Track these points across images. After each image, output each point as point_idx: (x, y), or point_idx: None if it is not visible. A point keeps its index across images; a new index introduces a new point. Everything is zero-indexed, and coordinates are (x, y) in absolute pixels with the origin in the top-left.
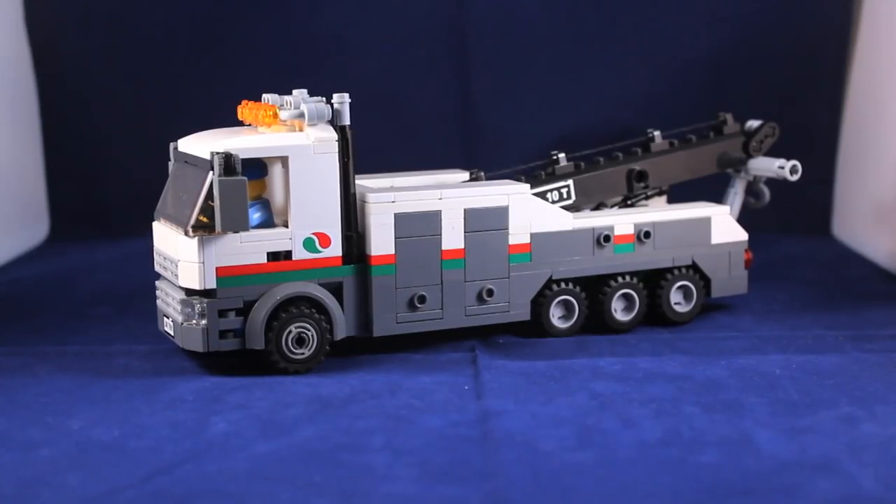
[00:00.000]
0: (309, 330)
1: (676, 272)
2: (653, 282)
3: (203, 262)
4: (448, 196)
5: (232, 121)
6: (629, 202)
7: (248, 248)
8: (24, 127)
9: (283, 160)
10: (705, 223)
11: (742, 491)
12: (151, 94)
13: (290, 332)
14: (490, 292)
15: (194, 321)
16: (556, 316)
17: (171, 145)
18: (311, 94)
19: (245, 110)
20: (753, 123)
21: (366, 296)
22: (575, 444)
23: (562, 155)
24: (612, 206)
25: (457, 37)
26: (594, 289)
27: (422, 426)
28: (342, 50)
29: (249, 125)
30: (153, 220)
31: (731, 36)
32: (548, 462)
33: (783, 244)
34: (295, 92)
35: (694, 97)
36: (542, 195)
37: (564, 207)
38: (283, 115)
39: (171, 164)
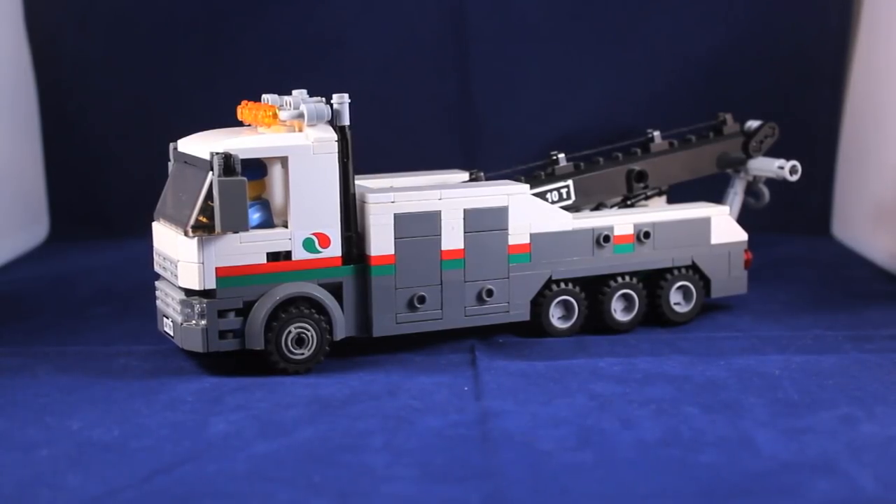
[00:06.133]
0: (309, 330)
1: (676, 272)
2: (652, 282)
3: (203, 263)
4: (448, 196)
5: (232, 121)
6: (629, 202)
7: (247, 248)
8: (24, 127)
9: (283, 160)
10: (705, 223)
11: (742, 491)
12: (151, 94)
13: (289, 332)
14: (490, 292)
15: (194, 321)
16: (555, 316)
17: (171, 145)
18: (311, 94)
19: (245, 110)
20: (753, 124)
21: (365, 296)
22: (574, 444)
23: (561, 155)
24: (612, 207)
25: (457, 37)
26: (594, 289)
27: (421, 427)
28: (342, 50)
29: (249, 125)
30: (153, 221)
31: (731, 36)
32: (547, 462)
33: (783, 244)
34: (295, 92)
35: (694, 97)
36: (542, 195)
37: (564, 208)
38: (282, 115)
39: (170, 164)
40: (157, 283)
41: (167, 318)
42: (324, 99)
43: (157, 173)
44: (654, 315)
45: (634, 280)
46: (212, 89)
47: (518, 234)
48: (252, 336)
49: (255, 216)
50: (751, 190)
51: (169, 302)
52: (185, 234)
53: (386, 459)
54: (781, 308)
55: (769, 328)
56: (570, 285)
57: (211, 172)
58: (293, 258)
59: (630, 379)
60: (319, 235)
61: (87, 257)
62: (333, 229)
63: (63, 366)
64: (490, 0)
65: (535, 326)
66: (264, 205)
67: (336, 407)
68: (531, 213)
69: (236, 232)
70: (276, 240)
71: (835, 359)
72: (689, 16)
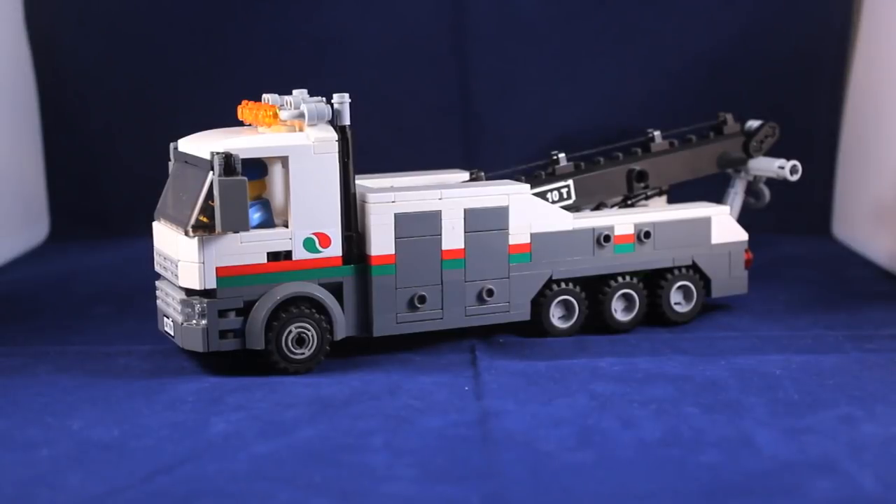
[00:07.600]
0: (309, 330)
1: (676, 272)
2: (653, 282)
3: (203, 262)
4: (448, 196)
5: (232, 121)
6: (629, 202)
7: (248, 248)
8: (24, 127)
9: (283, 160)
10: (705, 223)
11: (742, 491)
12: (151, 93)
13: (290, 332)
14: (490, 292)
15: (194, 321)
16: (556, 316)
17: (171, 145)
18: (311, 94)
19: (245, 110)
20: (753, 123)
21: (366, 296)
22: (575, 444)
23: (562, 155)
24: (612, 206)
25: (457, 37)
26: (594, 289)
27: (422, 427)
28: (342, 50)
29: (249, 125)
30: (153, 220)
31: (732, 36)
32: (548, 462)
33: (783, 244)
34: (295, 92)
35: (694, 97)
36: (543, 195)
37: (564, 207)
38: (283, 115)
39: (171, 164)
40: (157, 282)
41: (167, 317)
42: (324, 99)
43: (158, 173)
44: (655, 315)
45: (635, 280)
46: (212, 89)
47: (518, 234)
48: (252, 336)
49: (255, 216)
50: (751, 190)
51: (169, 302)
52: (186, 233)
53: (386, 459)
54: (781, 308)
55: (769, 328)
56: (571, 285)
57: (211, 172)
58: (293, 258)
59: (630, 379)
60: (320, 235)
61: (87, 257)
62: (334, 229)
63: (63, 366)
64: (490, 0)
65: (536, 326)
66: (265, 204)
67: (336, 407)
68: (532, 212)
69: (237, 232)
70: (276, 239)
71: (835, 358)
72: (689, 15)
